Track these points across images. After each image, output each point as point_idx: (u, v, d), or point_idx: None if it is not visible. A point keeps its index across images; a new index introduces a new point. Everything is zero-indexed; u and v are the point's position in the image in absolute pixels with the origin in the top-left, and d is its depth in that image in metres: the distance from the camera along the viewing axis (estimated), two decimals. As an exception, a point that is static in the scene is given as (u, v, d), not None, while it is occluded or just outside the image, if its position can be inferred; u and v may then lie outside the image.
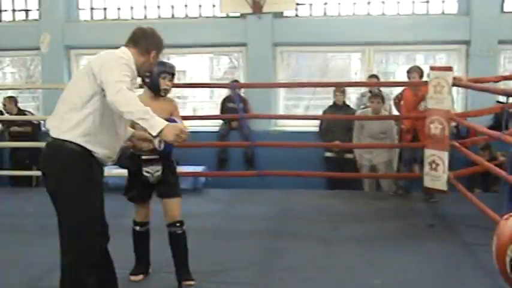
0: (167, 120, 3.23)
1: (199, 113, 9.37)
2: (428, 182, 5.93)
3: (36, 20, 9.23)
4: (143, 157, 3.72)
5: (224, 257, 4.41)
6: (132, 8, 9.12)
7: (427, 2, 8.54)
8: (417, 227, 5.25)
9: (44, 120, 3.55)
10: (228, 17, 8.86)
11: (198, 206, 5.93)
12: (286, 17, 8.73)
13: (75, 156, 2.86)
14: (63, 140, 2.86)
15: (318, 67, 9.57)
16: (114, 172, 6.47)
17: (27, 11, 9.36)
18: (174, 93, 6.06)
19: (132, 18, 9.09)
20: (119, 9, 9.15)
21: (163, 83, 3.76)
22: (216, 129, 8.28)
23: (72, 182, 2.87)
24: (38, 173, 3.07)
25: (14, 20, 9.42)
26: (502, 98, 7.27)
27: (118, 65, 2.84)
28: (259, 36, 8.57)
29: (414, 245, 4.73)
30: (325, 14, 8.75)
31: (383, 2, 8.61)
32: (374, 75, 7.94)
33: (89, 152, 2.89)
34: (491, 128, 6.24)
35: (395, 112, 7.04)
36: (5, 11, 9.42)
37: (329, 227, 5.28)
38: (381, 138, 6.73)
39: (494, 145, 6.74)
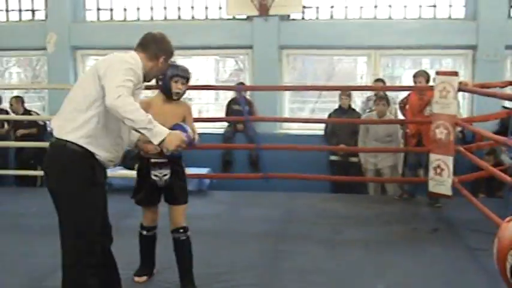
0: (173, 127, 3.23)
1: (204, 115, 9.42)
2: (433, 187, 5.92)
3: (42, 20, 9.27)
4: (152, 160, 3.69)
5: (228, 259, 4.41)
6: (138, 9, 9.14)
7: (434, 6, 8.53)
8: (421, 231, 5.23)
9: (50, 121, 3.56)
10: (234, 19, 8.87)
11: (203, 208, 5.94)
12: (293, 19, 8.74)
13: (76, 157, 2.86)
14: (65, 141, 2.86)
15: (323, 70, 9.58)
16: (119, 173, 6.50)
17: (33, 11, 9.40)
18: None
19: (138, 20, 9.12)
20: (125, 10, 9.18)
21: (175, 87, 3.69)
22: (221, 131, 8.31)
23: (72, 182, 2.87)
24: (43, 173, 3.07)
25: (20, 20, 9.46)
26: (508, 104, 7.29)
27: (122, 69, 2.82)
28: (265, 39, 8.58)
29: (418, 249, 4.71)
30: (331, 17, 8.75)
31: (390, 6, 8.60)
32: (380, 79, 7.95)
33: (91, 153, 2.88)
34: (497, 133, 6.22)
35: (400, 116, 7.02)
36: (12, 10, 9.46)
37: (333, 230, 5.27)
38: (387, 141, 6.73)
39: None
